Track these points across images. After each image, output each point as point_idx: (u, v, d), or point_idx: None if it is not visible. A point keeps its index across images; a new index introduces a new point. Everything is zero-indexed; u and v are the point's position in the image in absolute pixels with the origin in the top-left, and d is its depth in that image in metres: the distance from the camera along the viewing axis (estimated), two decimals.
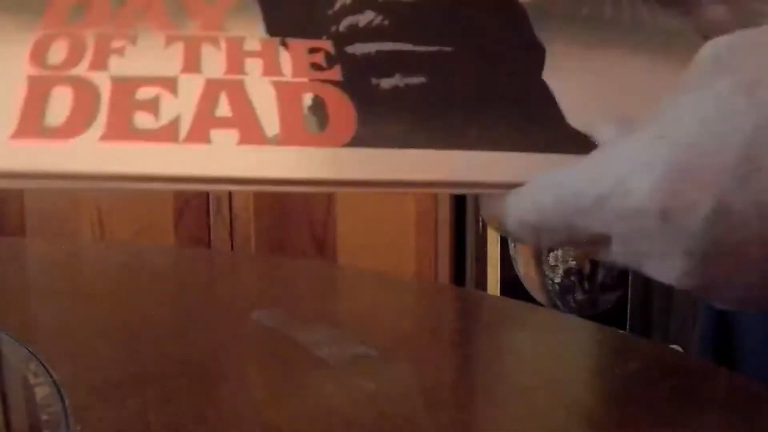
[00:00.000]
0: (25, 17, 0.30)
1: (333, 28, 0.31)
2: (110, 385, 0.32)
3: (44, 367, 0.32)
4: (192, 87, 0.28)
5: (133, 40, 0.29)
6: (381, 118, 0.28)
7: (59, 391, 0.31)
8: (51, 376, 0.32)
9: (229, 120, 0.27)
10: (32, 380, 0.32)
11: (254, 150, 0.27)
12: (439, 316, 0.47)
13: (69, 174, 0.25)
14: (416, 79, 0.30)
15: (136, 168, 0.26)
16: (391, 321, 0.42)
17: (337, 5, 0.32)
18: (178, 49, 0.29)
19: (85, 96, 0.27)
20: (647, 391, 0.33)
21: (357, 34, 0.31)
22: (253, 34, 0.30)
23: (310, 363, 0.35)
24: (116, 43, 0.29)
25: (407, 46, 0.31)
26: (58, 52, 0.28)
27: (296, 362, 0.36)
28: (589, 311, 1.10)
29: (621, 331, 0.48)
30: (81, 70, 0.28)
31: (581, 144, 0.28)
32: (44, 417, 0.29)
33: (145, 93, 0.27)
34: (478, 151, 0.28)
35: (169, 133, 0.27)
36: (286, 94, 0.28)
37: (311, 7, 0.32)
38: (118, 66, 0.28)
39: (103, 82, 0.28)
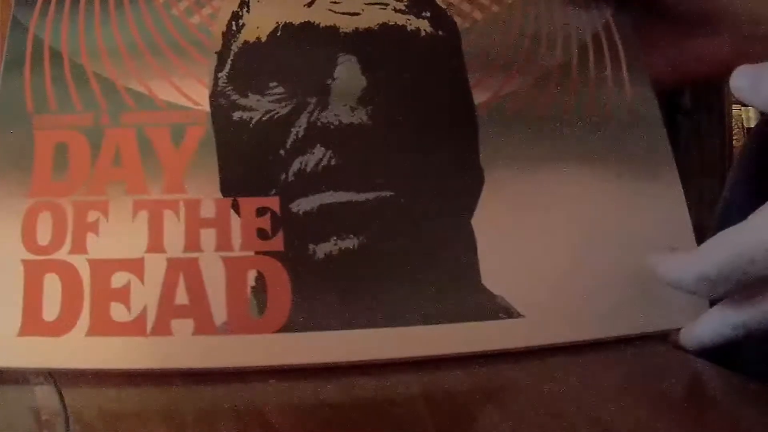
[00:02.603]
0: (15, 179, 0.34)
1: (283, 176, 0.33)
2: (110, 385, 0.32)
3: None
4: (156, 270, 0.32)
5: (106, 211, 0.33)
6: (313, 297, 0.33)
7: (59, 392, 0.30)
8: (51, 377, 0.31)
9: (187, 309, 0.32)
10: (32, 380, 0.31)
11: (206, 339, 0.31)
12: None
13: (61, 369, 0.31)
14: (349, 242, 0.34)
15: (113, 363, 0.31)
16: None
17: (289, 141, 0.34)
18: (144, 221, 0.33)
19: (71, 284, 0.32)
20: (647, 390, 0.33)
21: (303, 182, 0.34)
22: (209, 192, 0.33)
23: None
24: (91, 215, 0.33)
25: (348, 195, 0.34)
26: (44, 231, 0.33)
27: None
28: None
29: None
30: (64, 253, 0.32)
31: (492, 309, 0.34)
32: (44, 417, 0.29)
33: (118, 279, 0.32)
34: (399, 327, 0.33)
35: (139, 325, 0.31)
36: (233, 272, 0.33)
37: (265, 145, 0.34)
38: (94, 248, 0.33)
39: (82, 266, 0.32)
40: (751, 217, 0.32)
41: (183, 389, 0.31)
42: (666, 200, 0.37)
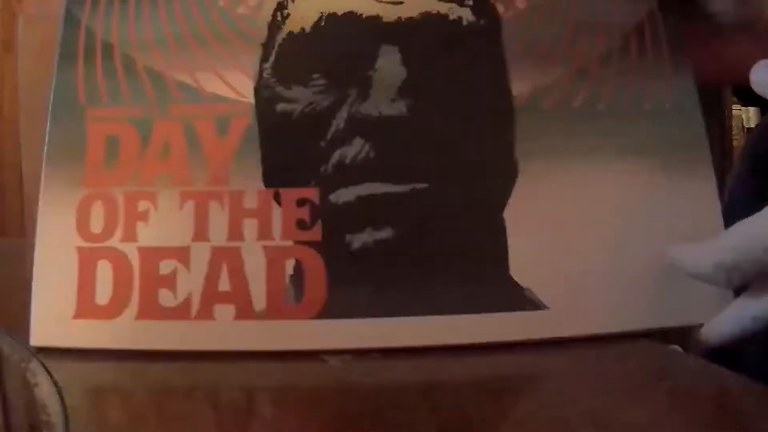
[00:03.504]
0: (70, 170, 0.35)
1: (323, 168, 0.34)
2: (110, 385, 0.33)
3: (44, 367, 0.32)
4: (201, 258, 0.34)
5: (155, 201, 0.35)
6: (348, 286, 0.34)
7: (59, 391, 0.31)
8: (51, 376, 0.31)
9: (229, 295, 0.33)
10: (32, 380, 0.31)
11: (246, 325, 0.32)
12: None
13: (112, 350, 0.33)
14: (384, 234, 0.35)
15: (160, 345, 0.33)
16: None
17: (330, 133, 0.35)
18: (190, 211, 0.34)
19: (122, 270, 0.34)
20: (647, 390, 0.33)
21: (342, 174, 0.35)
22: (253, 184, 0.35)
23: None
24: (142, 205, 0.34)
25: (385, 187, 0.35)
26: (97, 220, 0.35)
27: None
28: None
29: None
30: (116, 240, 0.34)
31: (518, 301, 0.35)
32: (44, 417, 0.29)
33: (165, 266, 0.33)
34: (430, 316, 0.34)
35: (184, 310, 0.33)
36: (273, 261, 0.35)
37: (306, 136, 0.35)
38: (143, 236, 0.34)
39: (132, 253, 0.34)
40: (766, 208, 0.33)
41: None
42: (700, 195, 0.37)
